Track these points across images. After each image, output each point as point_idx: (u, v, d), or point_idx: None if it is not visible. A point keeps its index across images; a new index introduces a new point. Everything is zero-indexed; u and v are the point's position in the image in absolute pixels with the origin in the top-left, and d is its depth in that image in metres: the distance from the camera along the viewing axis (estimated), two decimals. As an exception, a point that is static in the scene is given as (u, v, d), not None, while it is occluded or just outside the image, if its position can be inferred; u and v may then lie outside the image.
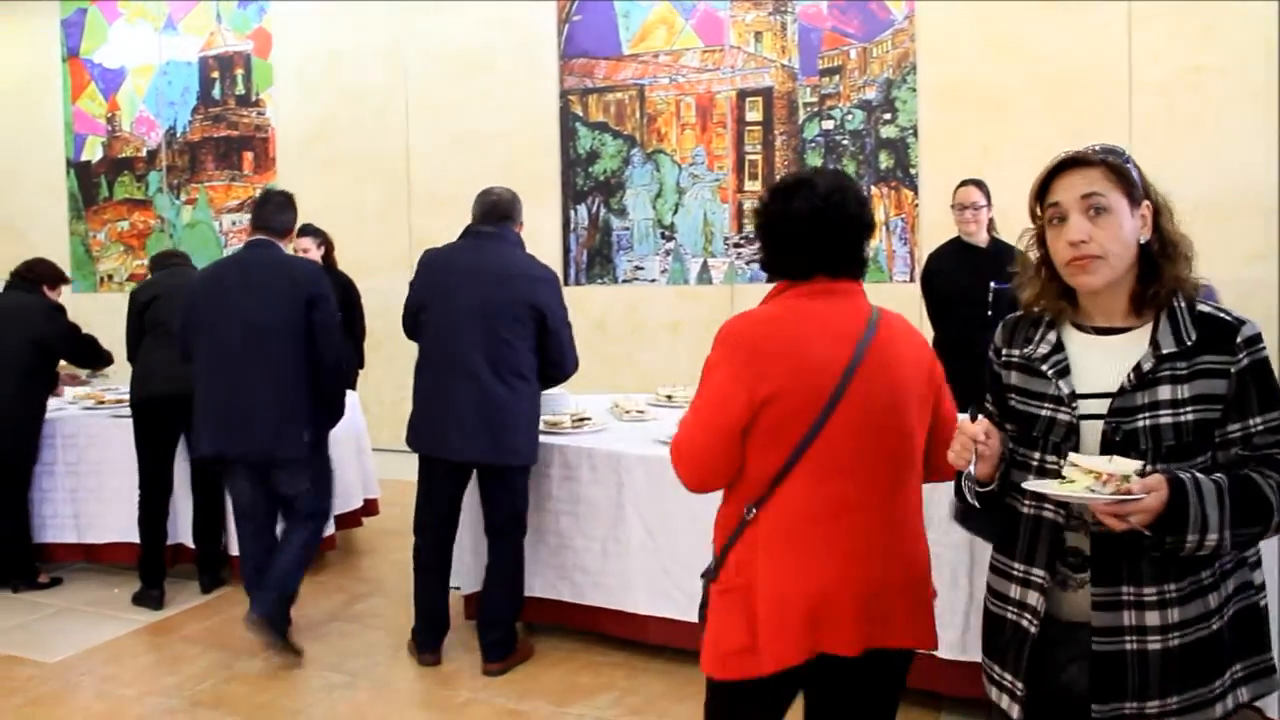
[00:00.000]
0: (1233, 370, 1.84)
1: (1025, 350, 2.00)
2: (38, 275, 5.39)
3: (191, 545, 5.29)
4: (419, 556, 4.21)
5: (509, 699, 3.96)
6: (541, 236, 7.20)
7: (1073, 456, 1.82)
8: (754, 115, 6.80)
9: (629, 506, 4.06)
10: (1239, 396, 1.84)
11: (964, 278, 4.83)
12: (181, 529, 5.31)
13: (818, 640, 2.14)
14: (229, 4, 8.37)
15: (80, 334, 5.41)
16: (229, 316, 4.20)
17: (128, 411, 5.14)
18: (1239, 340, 1.85)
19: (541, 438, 4.28)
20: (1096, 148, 1.90)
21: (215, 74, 8.46)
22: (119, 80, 8.99)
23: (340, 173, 7.67)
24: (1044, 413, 1.94)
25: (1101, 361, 1.91)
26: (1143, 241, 1.88)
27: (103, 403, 5.80)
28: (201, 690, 4.13)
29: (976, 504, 2.03)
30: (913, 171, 6.45)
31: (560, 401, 4.76)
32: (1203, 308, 1.89)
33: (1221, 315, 1.88)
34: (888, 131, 6.49)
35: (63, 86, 9.30)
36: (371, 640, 4.62)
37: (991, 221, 4.95)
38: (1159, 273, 1.88)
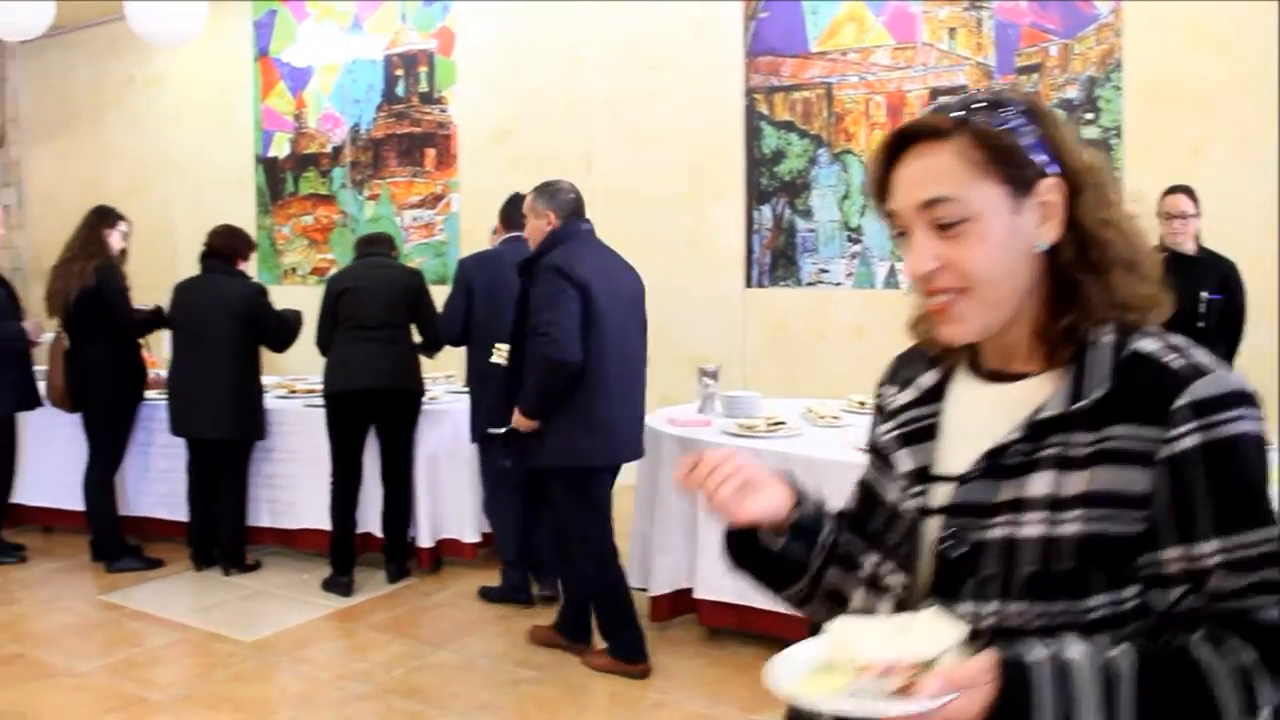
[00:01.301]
0: (1162, 455, 1.11)
1: (892, 395, 1.39)
2: (233, 250, 5.67)
3: (380, 535, 5.51)
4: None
5: (700, 703, 4.02)
6: (723, 237, 7.26)
7: (840, 622, 1.15)
8: (946, 114, 6.71)
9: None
10: (1175, 502, 1.11)
11: (1172, 288, 4.67)
12: (370, 518, 5.53)
13: None
14: (414, 3, 8.66)
15: (282, 317, 5.66)
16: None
17: (321, 401, 5.37)
18: (1180, 404, 1.12)
19: (735, 441, 4.34)
20: (953, 102, 1.21)
21: (399, 72, 8.76)
22: (306, 78, 9.39)
23: (521, 170, 7.84)
24: (890, 496, 1.33)
25: (986, 423, 1.22)
26: (1042, 248, 1.20)
27: (295, 392, 6.08)
28: (392, 678, 4.31)
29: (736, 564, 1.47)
30: (1117, 174, 6.27)
31: (752, 405, 4.79)
32: (1143, 346, 1.18)
33: (1164, 360, 1.16)
34: (1090, 132, 6.32)
35: (253, 85, 9.77)
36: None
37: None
38: (1075, 291, 1.20)
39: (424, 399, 5.46)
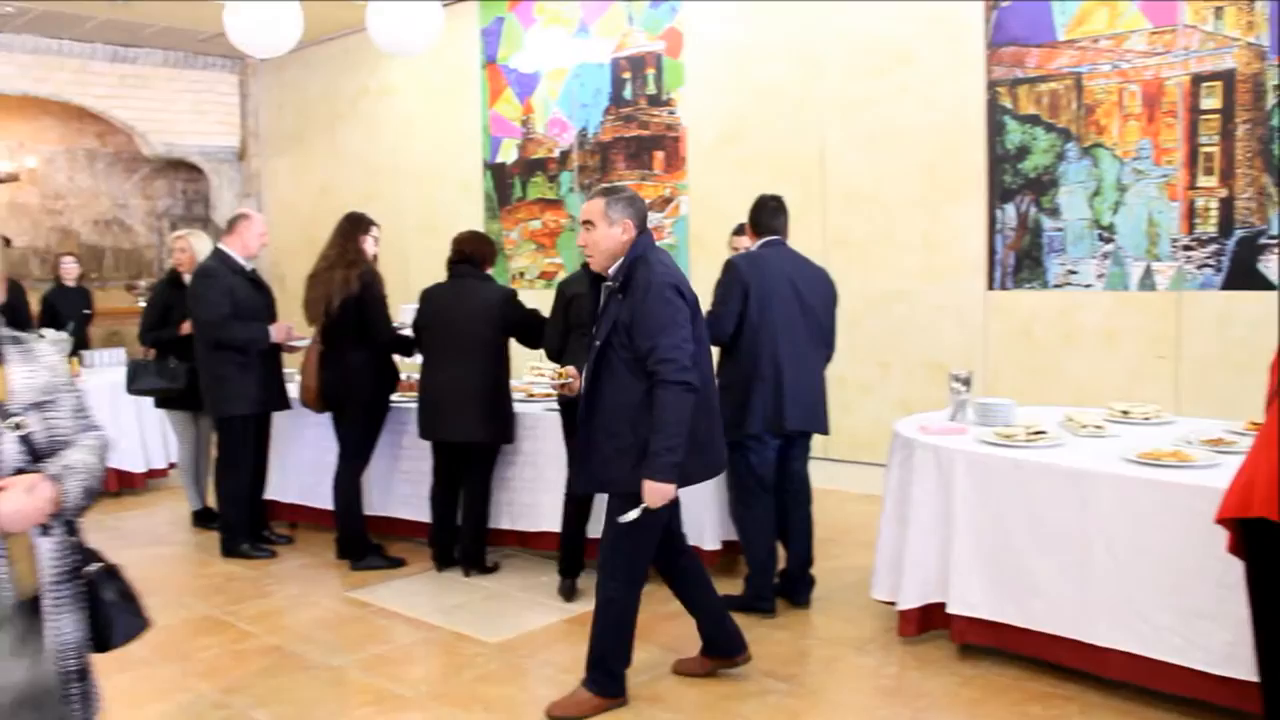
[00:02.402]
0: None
1: None
2: (483, 255, 5.88)
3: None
4: None
5: (960, 723, 3.94)
6: (964, 237, 7.10)
7: None
8: (1210, 102, 6.37)
9: (1093, 528, 3.92)
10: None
11: None
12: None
13: None
14: (641, 5, 8.80)
15: (536, 316, 5.81)
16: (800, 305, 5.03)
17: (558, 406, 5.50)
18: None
19: (994, 451, 4.24)
20: None
21: (626, 75, 8.92)
22: (533, 84, 9.67)
23: (752, 172, 7.89)
24: None
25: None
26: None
27: (533, 396, 6.24)
28: (638, 684, 4.37)
29: None
30: None
31: (1008, 413, 4.67)
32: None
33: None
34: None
35: (481, 92, 10.14)
36: (803, 648, 4.72)
37: None
38: None
39: None
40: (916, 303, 7.35)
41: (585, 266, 5.56)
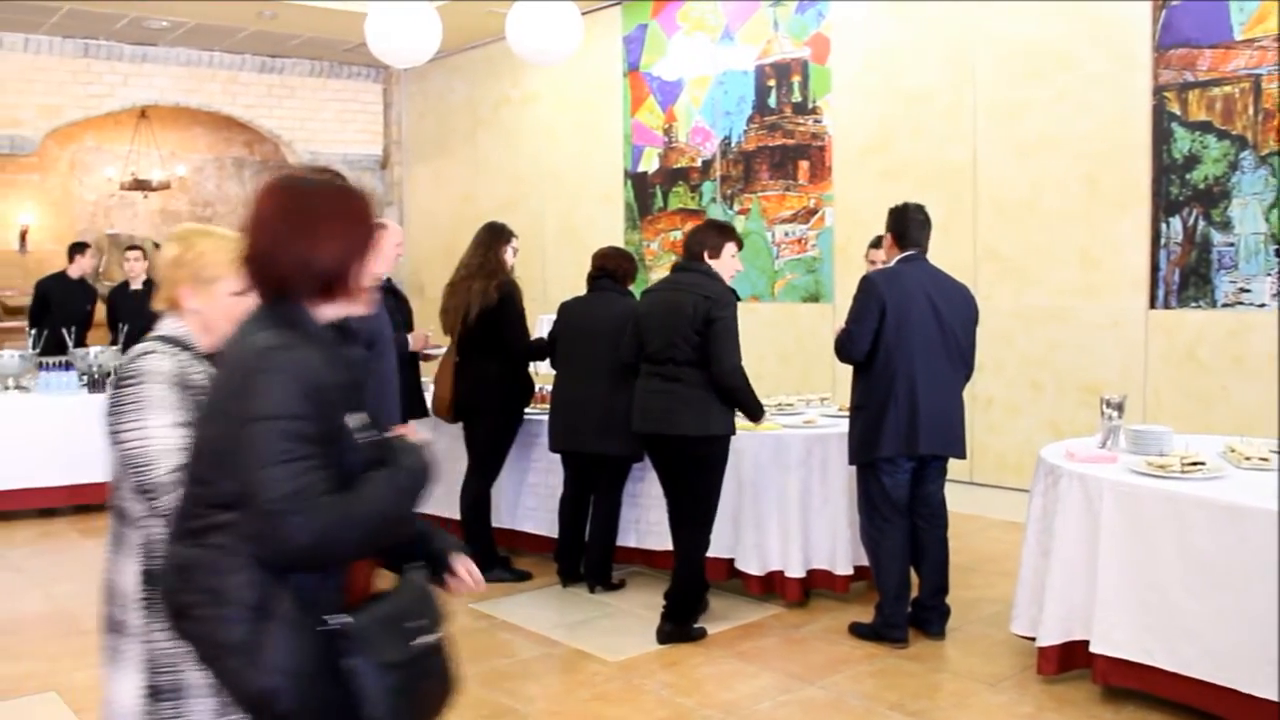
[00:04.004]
0: None
1: None
2: (625, 271, 5.99)
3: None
4: None
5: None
6: (1125, 252, 6.90)
7: None
8: (1404, 109, 6.06)
9: (1253, 569, 3.76)
10: None
11: None
12: (726, 545, 5.64)
13: None
14: (786, 10, 8.80)
15: None
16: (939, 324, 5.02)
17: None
18: None
19: (1143, 481, 4.12)
20: None
21: (771, 82, 8.93)
22: (676, 92, 9.75)
23: (900, 181, 7.80)
24: None
25: None
26: None
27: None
28: (758, 711, 4.37)
29: None
30: None
31: (1163, 441, 4.52)
32: None
33: None
34: None
35: (623, 100, 10.26)
36: (935, 682, 4.65)
37: None
38: None
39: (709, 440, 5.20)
40: (1072, 321, 7.16)
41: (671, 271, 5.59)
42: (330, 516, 2.04)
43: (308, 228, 2.18)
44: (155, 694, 2.42)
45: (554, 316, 6.12)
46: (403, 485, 2.20)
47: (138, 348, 2.61)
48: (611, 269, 5.94)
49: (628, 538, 6.07)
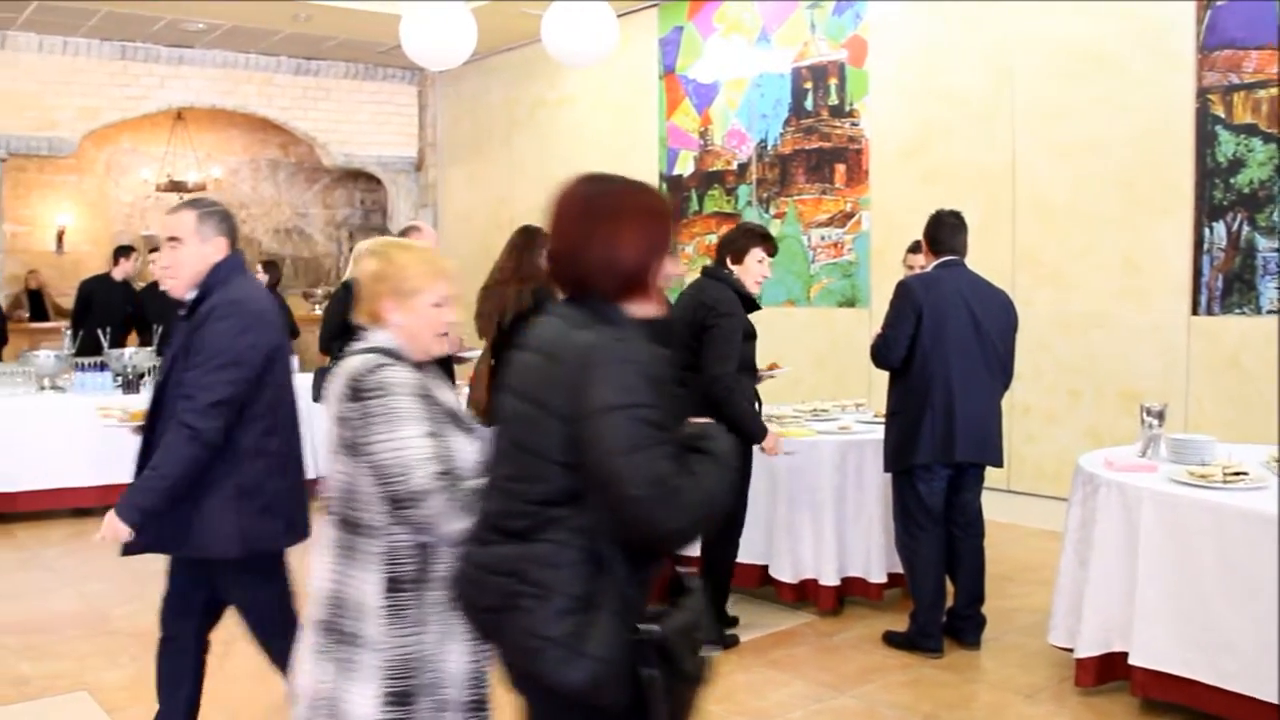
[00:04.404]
0: None
1: None
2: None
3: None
4: None
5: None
6: (1167, 257, 6.84)
7: None
8: None
9: (1296, 580, 3.72)
10: None
11: None
12: (758, 551, 5.63)
13: None
14: (824, 12, 8.78)
15: None
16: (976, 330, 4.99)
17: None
18: None
19: (1184, 491, 4.08)
20: None
21: (808, 84, 8.91)
22: (712, 95, 9.75)
23: (938, 185, 7.77)
24: None
25: None
26: None
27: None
28: (791, 718, 4.35)
29: None
30: None
31: (1205, 450, 4.47)
32: None
33: None
34: None
35: (659, 103, 10.28)
36: (969, 692, 4.62)
37: None
38: None
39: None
40: (1112, 327, 7.10)
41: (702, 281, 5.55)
42: (691, 500, 2.11)
43: (610, 227, 2.25)
44: (394, 699, 2.57)
45: None
46: (726, 470, 2.26)
47: (360, 360, 2.67)
48: None
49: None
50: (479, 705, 2.71)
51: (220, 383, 3.31)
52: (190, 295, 3.48)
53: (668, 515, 2.07)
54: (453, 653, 2.64)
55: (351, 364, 2.66)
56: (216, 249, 3.49)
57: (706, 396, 4.79)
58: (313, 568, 2.74)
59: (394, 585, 2.59)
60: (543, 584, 2.16)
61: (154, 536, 3.43)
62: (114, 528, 3.30)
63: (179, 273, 3.48)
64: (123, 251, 9.80)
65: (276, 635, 3.52)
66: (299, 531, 3.63)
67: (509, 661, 2.30)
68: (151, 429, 3.48)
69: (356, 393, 2.60)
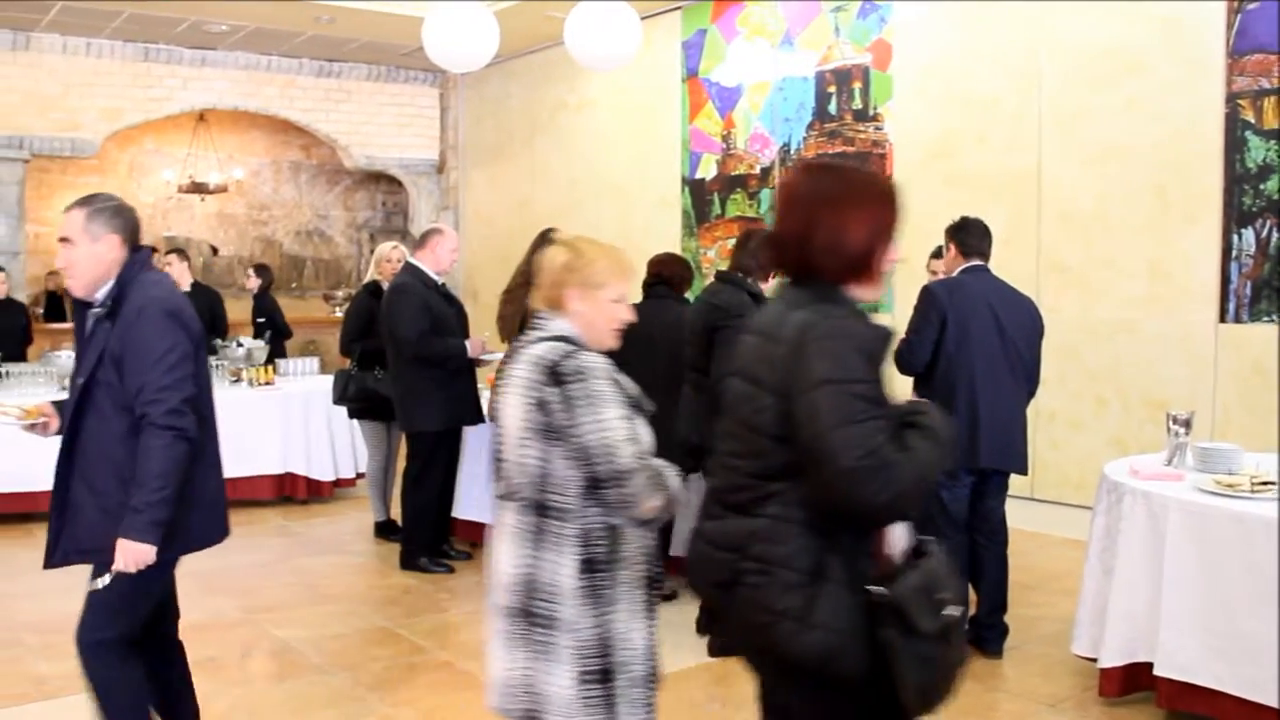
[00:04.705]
0: None
1: None
2: (682, 278, 6.02)
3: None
4: None
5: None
6: (1195, 264, 6.81)
7: None
8: None
9: (1325, 591, 3.69)
10: None
11: None
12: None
13: None
14: (848, 15, 8.78)
15: None
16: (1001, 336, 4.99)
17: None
18: None
19: (1211, 501, 4.06)
20: None
21: (831, 88, 8.91)
22: (735, 98, 9.76)
23: (963, 190, 7.76)
24: None
25: None
26: None
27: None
28: None
29: None
30: None
31: (1233, 459, 4.45)
32: None
33: None
34: None
35: (681, 106, 10.29)
36: (991, 701, 4.61)
37: None
38: None
39: None
40: (1139, 334, 7.07)
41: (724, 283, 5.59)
42: (903, 474, 2.15)
43: (840, 211, 2.32)
44: (594, 677, 2.68)
45: None
46: (941, 446, 2.30)
47: (548, 347, 2.77)
48: (668, 275, 5.96)
49: (678, 546, 6.07)
50: (654, 678, 2.82)
51: (181, 379, 3.31)
52: (100, 294, 3.43)
53: (879, 488, 2.11)
54: (638, 629, 2.75)
55: (538, 351, 2.76)
56: (109, 246, 3.42)
57: (717, 398, 4.82)
58: (495, 554, 2.82)
59: (589, 566, 2.68)
60: (766, 558, 2.21)
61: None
62: (136, 553, 3.27)
63: (74, 272, 3.44)
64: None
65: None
66: (225, 530, 3.68)
67: (741, 636, 2.35)
68: (75, 430, 3.47)
69: (557, 377, 2.69)
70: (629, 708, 2.72)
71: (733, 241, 9.53)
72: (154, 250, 9.84)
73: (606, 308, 2.85)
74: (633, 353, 5.85)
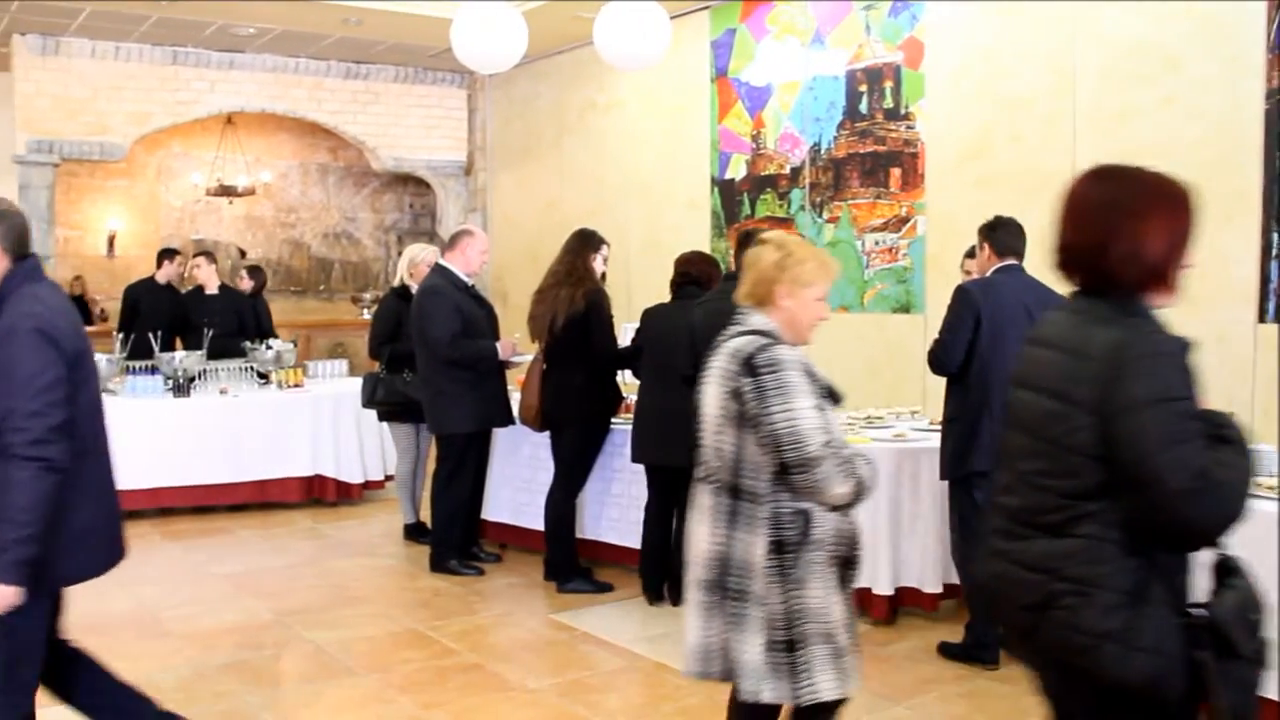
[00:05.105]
0: None
1: None
2: (709, 277, 6.01)
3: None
4: None
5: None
6: (1233, 263, 6.77)
7: None
8: None
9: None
10: None
11: None
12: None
13: None
14: (879, 13, 8.77)
15: None
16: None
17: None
18: None
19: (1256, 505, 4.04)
20: None
21: (863, 87, 8.90)
22: (765, 98, 9.76)
23: (996, 190, 7.73)
24: None
25: None
26: None
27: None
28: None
29: None
30: None
31: (1272, 461, 4.43)
32: None
33: None
34: None
35: (710, 106, 10.29)
36: (1025, 706, 4.59)
37: None
38: None
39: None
40: (1176, 335, 7.02)
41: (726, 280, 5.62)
42: (1231, 494, 2.15)
43: (1136, 220, 2.31)
44: (781, 647, 2.96)
45: (637, 325, 6.15)
46: (1249, 458, 2.28)
47: (745, 340, 3.00)
48: (696, 274, 5.96)
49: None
50: (856, 649, 3.11)
51: (51, 405, 3.05)
52: None
53: (1209, 509, 2.11)
54: (836, 603, 3.00)
55: (737, 344, 3.01)
56: None
57: None
58: (693, 532, 3.10)
59: (778, 547, 2.94)
60: (1084, 580, 2.19)
61: None
62: (3, 595, 2.99)
63: None
64: (166, 254, 9.92)
65: None
66: (115, 558, 3.47)
67: (1050, 659, 2.33)
68: None
69: (752, 369, 2.92)
70: (829, 675, 2.99)
71: (763, 242, 9.56)
72: (176, 253, 9.96)
73: (811, 306, 3.06)
74: (659, 354, 5.90)
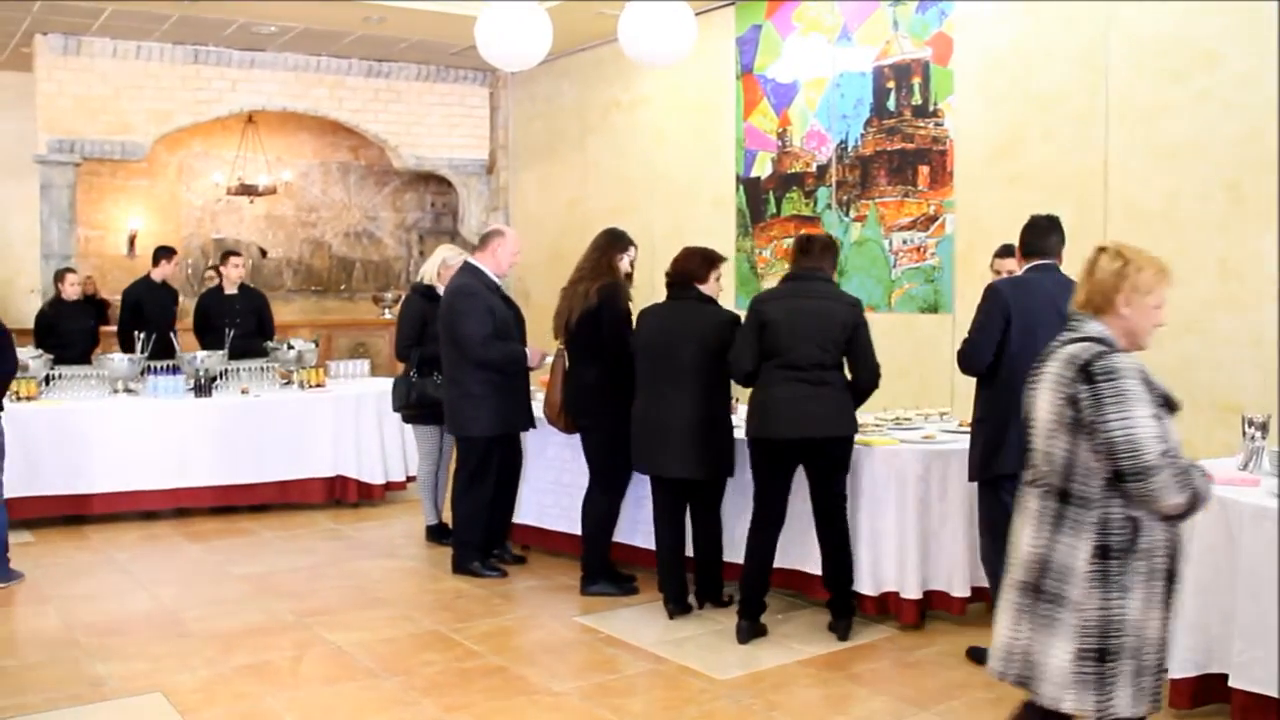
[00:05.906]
0: None
1: None
2: (691, 275, 5.80)
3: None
4: None
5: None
6: (1270, 263, 6.72)
7: None
8: None
9: None
10: None
11: None
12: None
13: None
14: (907, 9, 8.74)
15: None
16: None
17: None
18: None
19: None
20: None
21: (890, 84, 8.88)
22: (791, 95, 9.75)
23: (1026, 188, 7.70)
24: None
25: None
26: None
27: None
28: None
29: None
30: None
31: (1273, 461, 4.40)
32: None
33: None
34: None
35: (735, 104, 10.29)
36: None
37: None
38: None
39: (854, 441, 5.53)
40: (1210, 336, 6.98)
41: (790, 279, 5.60)
42: None
43: None
44: (1092, 656, 2.95)
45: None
46: None
47: (1081, 347, 3.04)
48: (686, 271, 5.81)
49: (732, 554, 6.05)
50: (1164, 669, 3.09)
51: None
52: None
53: None
54: (1154, 620, 2.99)
55: (1072, 350, 3.05)
56: None
57: (867, 388, 5.54)
58: (1016, 535, 3.18)
59: (1103, 553, 2.96)
60: None
61: None
62: None
63: None
64: (164, 253, 9.82)
65: None
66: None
67: None
68: None
69: (1089, 376, 2.96)
70: (1128, 692, 2.96)
71: (789, 241, 9.54)
72: (173, 252, 9.94)
73: (1150, 313, 3.10)
74: (658, 357, 5.84)
